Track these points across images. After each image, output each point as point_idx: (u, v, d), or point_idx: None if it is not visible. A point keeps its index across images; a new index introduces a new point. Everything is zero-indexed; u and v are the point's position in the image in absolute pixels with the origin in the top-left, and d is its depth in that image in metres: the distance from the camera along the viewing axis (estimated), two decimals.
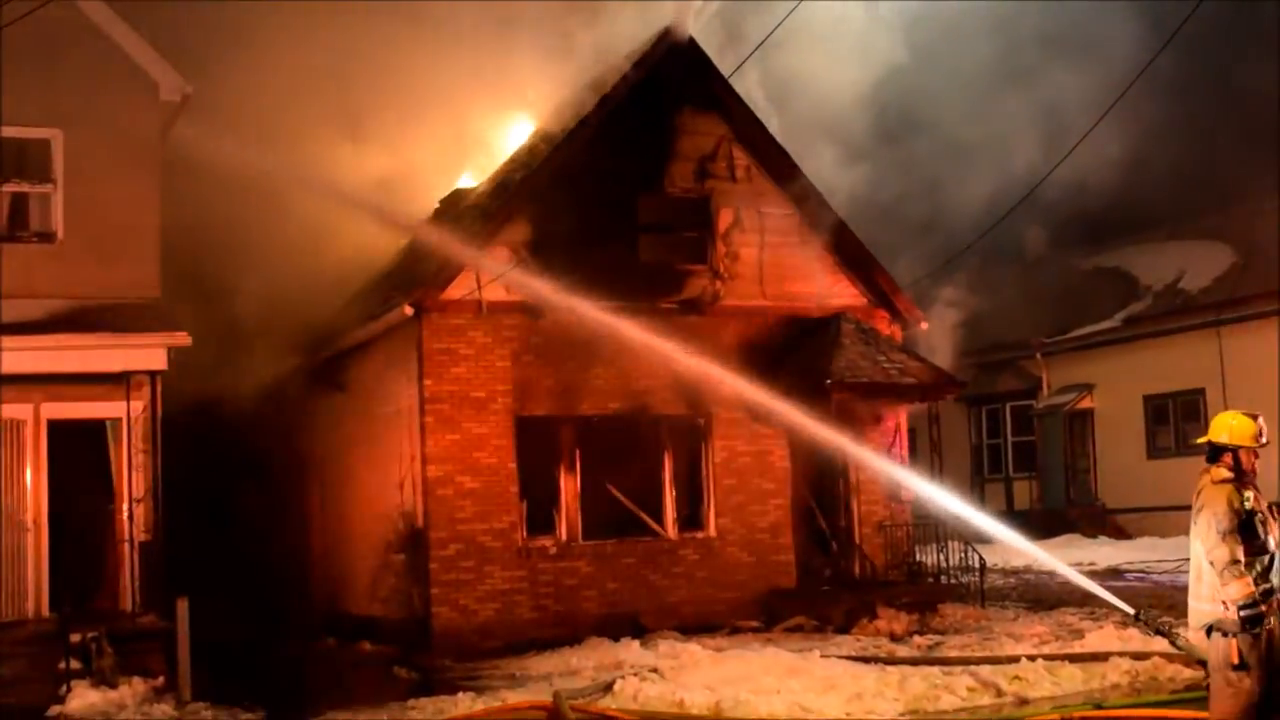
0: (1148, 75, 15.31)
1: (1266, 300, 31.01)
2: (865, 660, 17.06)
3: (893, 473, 22.04)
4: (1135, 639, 17.12)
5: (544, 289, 20.79)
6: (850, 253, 23.97)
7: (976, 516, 17.07)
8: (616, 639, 19.57)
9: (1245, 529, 9.56)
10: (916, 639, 19.47)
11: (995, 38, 25.81)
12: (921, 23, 25.87)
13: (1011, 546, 28.93)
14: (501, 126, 26.08)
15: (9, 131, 18.85)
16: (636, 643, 19.26)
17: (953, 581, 22.89)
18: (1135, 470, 34.30)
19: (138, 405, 18.90)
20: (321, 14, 23.62)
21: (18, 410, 18.41)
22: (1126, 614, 11.10)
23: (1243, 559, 9.44)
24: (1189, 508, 9.92)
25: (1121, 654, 16.23)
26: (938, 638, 19.57)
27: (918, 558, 23.44)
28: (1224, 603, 9.46)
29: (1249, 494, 9.68)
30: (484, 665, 18.90)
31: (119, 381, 18.81)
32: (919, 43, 25.51)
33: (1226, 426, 9.90)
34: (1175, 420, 33.76)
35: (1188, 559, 26.43)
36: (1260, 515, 9.65)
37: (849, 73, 24.04)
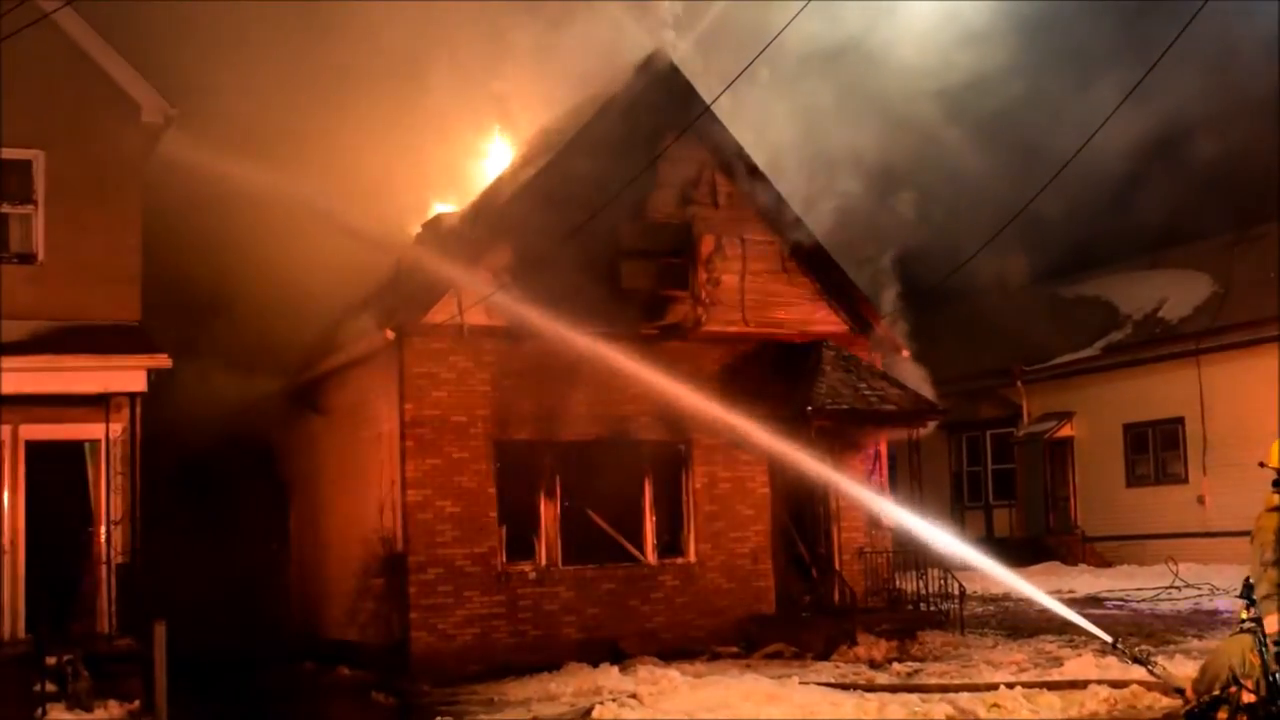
0: (1131, 102, 15.29)
1: (1246, 330, 31.16)
2: (844, 687, 17.04)
3: (874, 501, 22.04)
4: (1114, 667, 17.11)
5: (526, 313, 20.81)
6: (832, 280, 24.05)
7: (956, 545, 17.11)
8: (595, 665, 19.53)
9: None
10: (896, 666, 19.45)
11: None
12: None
13: (991, 574, 29.07)
14: (483, 151, 26.14)
15: None
16: (616, 669, 19.22)
17: (932, 609, 22.88)
18: (1115, 498, 34.37)
19: (117, 427, 18.84)
20: (302, 37, 23.65)
21: None
22: (1105, 641, 11.12)
23: None
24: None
25: (1100, 682, 16.21)
26: (917, 665, 19.56)
27: (897, 585, 23.43)
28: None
29: None
30: (462, 690, 18.84)
31: (98, 403, 18.75)
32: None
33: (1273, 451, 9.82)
34: (1155, 449, 33.85)
35: (1167, 587, 26.34)
36: None
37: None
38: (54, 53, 19.21)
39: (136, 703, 16.86)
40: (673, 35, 23.31)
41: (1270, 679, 9.77)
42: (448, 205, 26.16)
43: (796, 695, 16.11)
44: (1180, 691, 9.99)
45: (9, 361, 17.74)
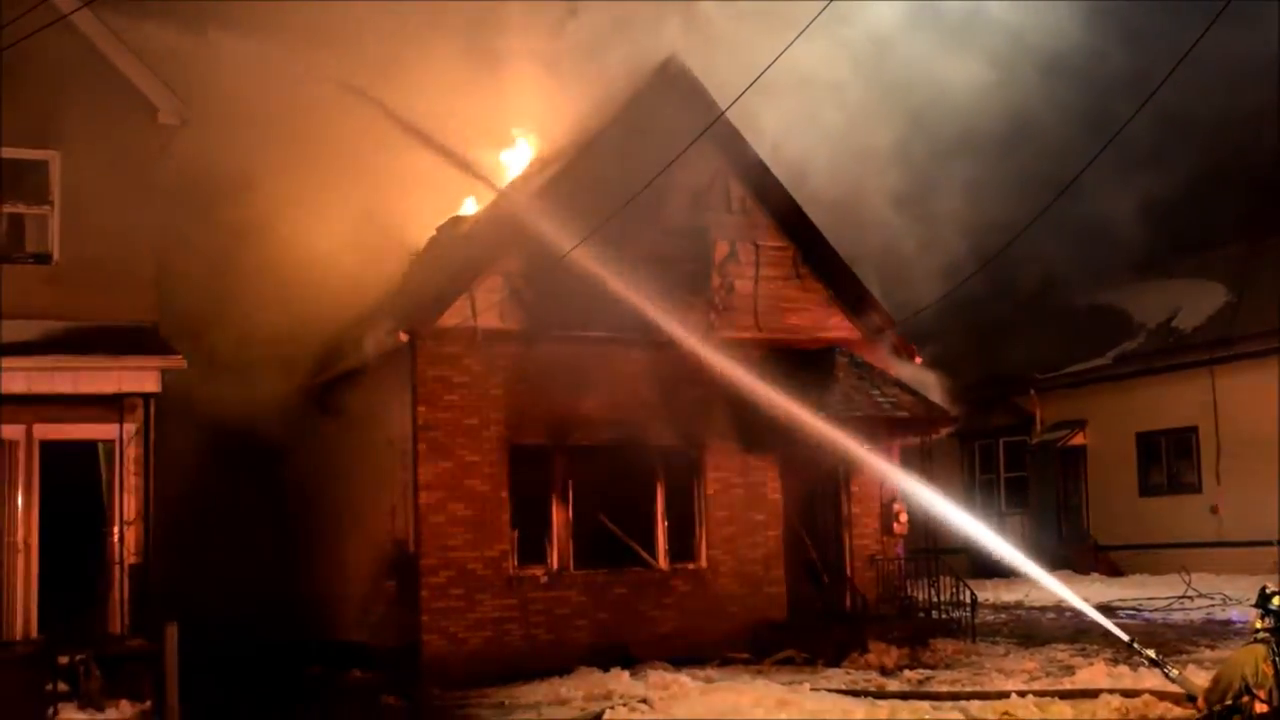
0: (1144, 111, 15.23)
1: (1259, 340, 31.09)
2: (855, 694, 17.03)
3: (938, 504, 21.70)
4: (1126, 676, 17.07)
5: (539, 317, 20.83)
6: (845, 286, 24.04)
7: (1000, 545, 17.02)
8: (606, 669, 19.52)
9: None
10: (907, 673, 19.43)
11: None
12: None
13: (1004, 582, 29.03)
14: (501, 154, 26.16)
15: (7, 153, 18.91)
16: (626, 673, 19.21)
17: (944, 616, 22.85)
18: (1127, 507, 34.31)
19: (131, 428, 18.90)
20: (325, 36, 23.68)
21: (10, 430, 18.42)
22: (1122, 641, 11.12)
23: None
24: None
25: (1112, 691, 16.17)
26: (928, 672, 19.53)
27: (909, 592, 23.40)
28: None
29: None
30: (473, 694, 18.85)
31: (113, 404, 18.81)
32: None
33: None
34: (1167, 458, 33.80)
35: (1180, 596, 26.28)
36: None
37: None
38: (71, 54, 19.29)
39: (148, 703, 16.91)
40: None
41: None
42: (470, 206, 26.21)
43: (807, 701, 16.11)
44: (1193, 699, 9.98)
45: (24, 361, 17.82)
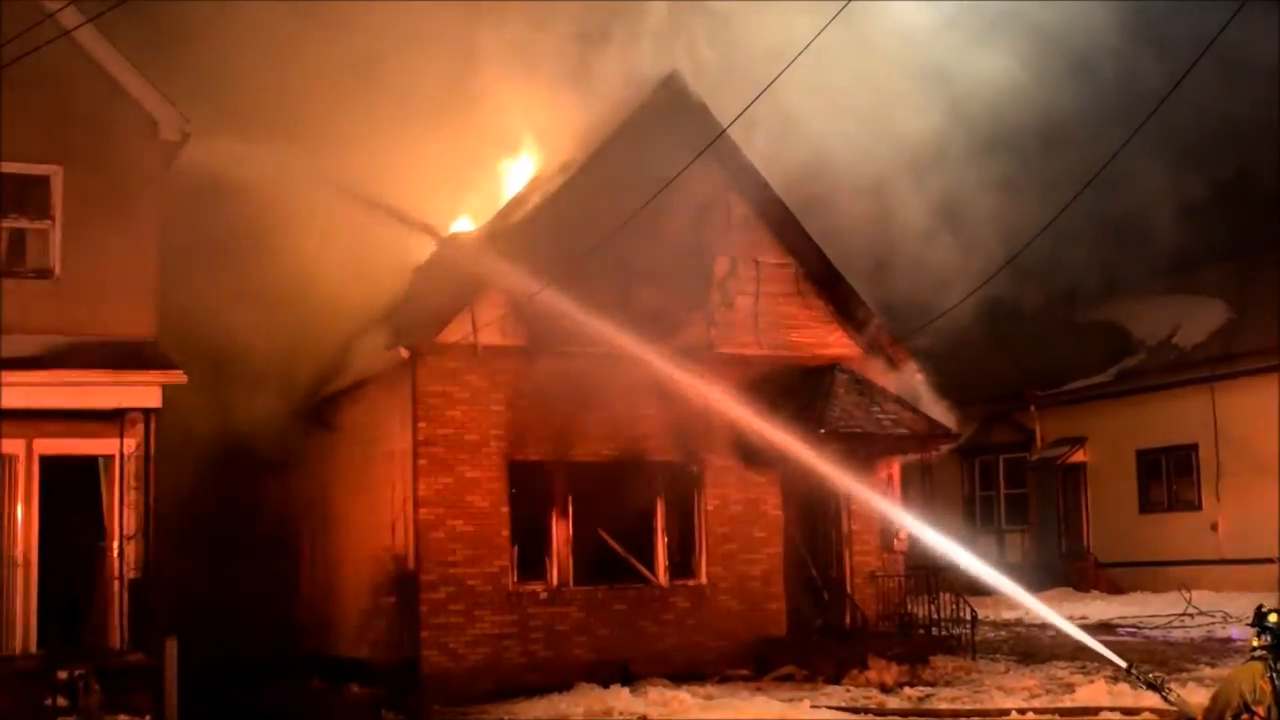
0: (1150, 124, 15.19)
1: (1260, 357, 31.09)
2: (855, 711, 17.04)
3: (908, 523, 21.86)
4: (1126, 694, 17.07)
5: (540, 333, 20.84)
6: (845, 303, 24.04)
7: (978, 566, 17.06)
8: (606, 685, 19.52)
9: None
10: (907, 690, 19.42)
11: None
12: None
13: (1004, 599, 29.00)
14: (501, 169, 26.18)
15: (9, 167, 18.89)
16: (626, 690, 19.21)
17: (944, 633, 22.83)
18: (1128, 524, 34.28)
19: (131, 443, 18.87)
20: (324, 54, 23.73)
21: (10, 445, 18.37)
22: (1119, 667, 11.08)
23: None
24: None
25: (1112, 709, 16.19)
26: (928, 689, 19.52)
27: (909, 609, 23.37)
28: None
29: None
30: (472, 710, 18.85)
31: (113, 419, 18.79)
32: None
33: None
34: (1168, 475, 33.78)
35: (1180, 614, 26.25)
36: None
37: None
38: (73, 69, 19.28)
39: (147, 718, 16.88)
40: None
41: None
42: (465, 224, 26.22)
43: (807, 718, 16.09)
44: None
45: (25, 376, 17.80)
